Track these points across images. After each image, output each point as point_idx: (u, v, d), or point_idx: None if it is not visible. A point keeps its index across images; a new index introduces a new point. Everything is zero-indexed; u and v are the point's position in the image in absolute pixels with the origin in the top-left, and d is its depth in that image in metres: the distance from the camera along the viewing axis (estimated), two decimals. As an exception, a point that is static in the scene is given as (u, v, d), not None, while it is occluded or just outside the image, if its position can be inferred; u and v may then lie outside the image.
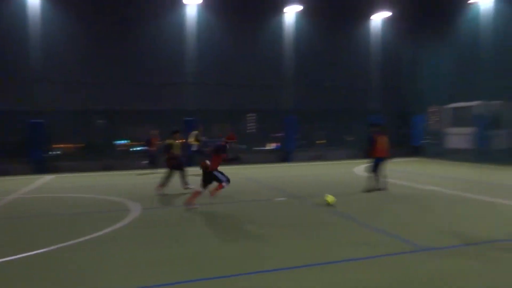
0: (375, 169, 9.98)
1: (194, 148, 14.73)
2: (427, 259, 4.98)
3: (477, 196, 9.18)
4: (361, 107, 21.71)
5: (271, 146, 20.44)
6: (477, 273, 4.52)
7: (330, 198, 8.42)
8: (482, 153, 17.69)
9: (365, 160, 10.09)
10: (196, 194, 8.42)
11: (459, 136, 19.16)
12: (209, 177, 8.26)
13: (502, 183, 11.52)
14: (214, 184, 8.23)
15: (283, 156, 19.73)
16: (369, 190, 9.94)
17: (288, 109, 20.07)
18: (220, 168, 8.30)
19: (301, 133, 20.54)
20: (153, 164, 15.43)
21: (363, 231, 6.42)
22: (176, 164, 10.31)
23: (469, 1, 19.15)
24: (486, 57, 18.19)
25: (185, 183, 10.43)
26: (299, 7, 20.22)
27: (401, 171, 14.46)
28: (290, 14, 20.52)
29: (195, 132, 15.02)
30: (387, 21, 21.99)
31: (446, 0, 20.05)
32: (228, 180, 8.29)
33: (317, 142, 21.69)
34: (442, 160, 19.04)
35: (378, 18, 21.90)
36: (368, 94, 22.12)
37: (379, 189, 9.95)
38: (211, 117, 18.66)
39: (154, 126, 16.73)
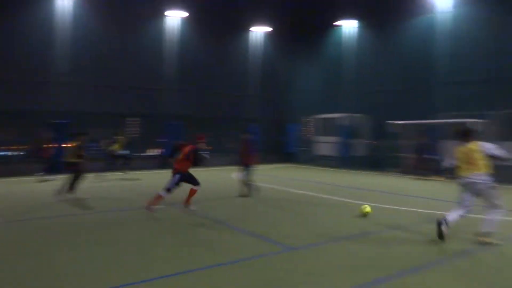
0: (246, 175, 10.49)
1: (117, 153, 14.56)
2: (294, 258, 5.45)
3: (337, 198, 10.36)
4: (242, 115, 22.65)
5: (155, 152, 19.79)
6: (337, 268, 5.11)
7: (367, 209, 8.08)
8: (344, 160, 20.02)
9: (241, 167, 10.52)
10: (159, 198, 8.00)
11: (326, 144, 21.32)
12: (184, 179, 8.12)
13: (358, 186, 13.17)
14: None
15: (164, 162, 19.26)
16: (243, 195, 10.44)
17: (171, 114, 19.80)
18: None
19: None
20: (49, 171, 13.52)
21: (235, 235, 6.72)
22: (75, 169, 9.45)
23: (335, 24, 21.64)
24: (348, 75, 20.83)
25: (67, 190, 9.46)
26: (183, 13, 20.21)
27: (274, 176, 15.48)
28: (173, 19, 20.36)
29: (120, 138, 14.73)
30: (267, 35, 23.43)
31: (315, 22, 22.26)
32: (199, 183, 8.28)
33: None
34: (312, 166, 20.92)
35: (259, 31, 23.17)
36: (249, 103, 23.20)
37: (249, 195, 10.44)
38: (87, 120, 17.32)
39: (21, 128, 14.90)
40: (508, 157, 6.34)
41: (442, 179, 14.54)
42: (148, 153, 19.59)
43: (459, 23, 16.85)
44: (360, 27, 20.80)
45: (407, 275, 4.75)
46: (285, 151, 23.34)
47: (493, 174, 6.19)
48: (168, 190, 8.06)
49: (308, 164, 21.58)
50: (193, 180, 8.32)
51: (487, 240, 6.06)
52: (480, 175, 6.11)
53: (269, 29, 22.93)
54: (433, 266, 5.13)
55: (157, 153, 19.25)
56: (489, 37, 15.93)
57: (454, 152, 6.55)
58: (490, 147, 6.24)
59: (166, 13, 20.03)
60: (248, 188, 10.48)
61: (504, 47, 15.52)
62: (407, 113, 17.51)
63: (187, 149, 8.25)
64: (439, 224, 6.17)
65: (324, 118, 21.89)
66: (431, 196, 11.26)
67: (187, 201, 8.41)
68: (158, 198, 8.03)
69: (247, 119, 22.12)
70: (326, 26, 22.01)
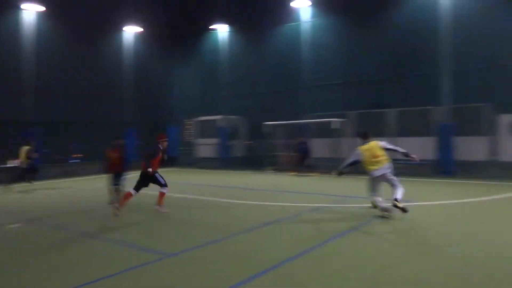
0: (116, 183, 9.89)
1: (24, 166, 13.30)
2: (175, 263, 5.41)
3: (217, 199, 10.60)
4: (118, 118, 21.49)
5: (13, 163, 17.18)
6: (219, 268, 5.23)
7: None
8: (225, 161, 20.55)
9: (112, 174, 9.94)
10: (128, 196, 8.49)
11: (206, 146, 21.58)
12: (148, 180, 8.55)
13: (238, 186, 13.66)
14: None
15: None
16: (112, 203, 9.92)
17: (30, 120, 17.67)
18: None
19: (52, 147, 18.42)
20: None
21: (110, 248, 6.38)
22: None
23: (210, 28, 22.02)
24: (224, 78, 21.44)
25: None
26: (39, 7, 18.13)
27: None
28: (28, 12, 17.96)
29: (26, 148, 13.25)
30: (141, 36, 22.61)
31: (191, 25, 22.34)
32: (166, 184, 8.70)
33: (74, 156, 20.06)
34: (194, 168, 20.96)
35: (132, 32, 22.21)
36: (125, 106, 22.10)
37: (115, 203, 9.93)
38: None
39: None
40: (400, 150, 7.91)
41: (317, 174, 15.97)
42: (7, 164, 16.99)
43: (320, 32, 18.71)
44: (233, 31, 21.56)
45: (292, 261, 5.12)
46: (166, 154, 22.85)
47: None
48: (166, 185, 8.75)
49: (190, 167, 21.56)
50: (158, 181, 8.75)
51: (400, 205, 7.35)
52: (384, 167, 7.56)
53: (141, 29, 22.10)
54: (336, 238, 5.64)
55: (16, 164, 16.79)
56: (345, 45, 18.05)
57: (359, 151, 7.86)
58: (385, 143, 7.78)
59: (22, 6, 17.81)
60: (118, 195, 9.96)
61: (357, 54, 17.74)
62: (279, 114, 18.83)
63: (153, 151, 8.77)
64: (395, 206, 7.32)
65: (204, 121, 22.13)
66: (311, 190, 12.26)
67: (159, 203, 8.79)
68: (128, 196, 8.55)
69: (123, 123, 21.07)
70: (202, 29, 22.27)
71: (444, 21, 14.84)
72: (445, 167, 14.36)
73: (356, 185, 13.08)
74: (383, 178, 7.68)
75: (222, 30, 21.72)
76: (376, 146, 7.74)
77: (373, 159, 7.66)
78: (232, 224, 7.75)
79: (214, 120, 21.53)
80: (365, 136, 7.97)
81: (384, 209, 7.67)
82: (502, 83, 14.36)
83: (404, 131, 16.03)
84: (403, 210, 7.37)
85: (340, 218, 7.96)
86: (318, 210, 8.83)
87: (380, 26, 17.05)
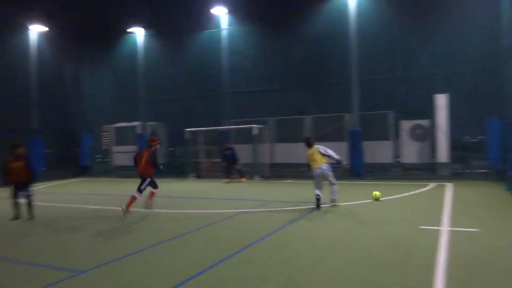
0: (15, 195, 9.16)
1: None
2: (86, 281, 5.08)
3: (136, 209, 10.19)
4: (25, 125, 19.62)
5: None
6: (129, 283, 5.01)
7: (376, 195, 10.19)
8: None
9: (13, 186, 9.12)
10: (134, 199, 9.15)
11: (124, 154, 20.64)
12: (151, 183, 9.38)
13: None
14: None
15: None
16: (16, 218, 9.11)
17: None
18: None
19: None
20: None
21: (14, 269, 5.80)
22: None
23: (128, 31, 21.17)
24: (142, 83, 20.72)
25: None
26: None
27: (62, 193, 14.12)
28: None
29: None
30: (49, 36, 20.93)
31: (106, 27, 21.27)
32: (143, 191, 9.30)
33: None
34: (110, 178, 19.91)
35: (39, 31, 20.49)
36: (32, 112, 20.24)
37: (19, 218, 9.17)
38: None
39: None
40: (334, 156, 9.45)
41: (244, 179, 16.09)
42: None
43: (239, 39, 19.02)
44: (151, 35, 20.92)
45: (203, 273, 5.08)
46: (80, 164, 21.43)
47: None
48: (140, 191, 9.29)
49: (106, 176, 20.47)
50: (154, 184, 9.56)
51: (335, 203, 9.47)
52: (321, 165, 9.26)
53: (47, 28, 20.46)
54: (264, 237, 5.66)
55: None
56: (263, 53, 18.59)
57: (306, 155, 9.60)
58: (322, 149, 9.40)
59: None
60: (19, 209, 9.16)
61: (275, 62, 18.37)
62: (200, 120, 18.74)
63: (145, 154, 9.40)
64: (318, 199, 9.21)
65: (121, 127, 21.17)
66: (234, 196, 12.31)
67: (148, 202, 9.70)
68: (133, 199, 9.17)
69: (29, 130, 19.31)
70: (119, 32, 21.30)
71: (352, 33, 16.00)
72: (355, 169, 15.44)
73: (278, 191, 13.49)
74: (321, 175, 9.29)
75: (140, 34, 21.01)
76: (316, 150, 9.39)
77: (313, 162, 9.38)
78: (150, 234, 7.51)
79: (131, 127, 20.71)
80: (308, 143, 9.66)
81: (316, 195, 9.27)
82: (403, 92, 15.88)
83: (319, 136, 16.95)
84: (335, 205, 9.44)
85: (259, 223, 8.14)
86: (239, 215, 8.94)
87: (296, 36, 17.87)
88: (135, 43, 21.04)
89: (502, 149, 12.64)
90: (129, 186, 16.04)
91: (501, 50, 13.02)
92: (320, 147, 9.51)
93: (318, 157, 9.37)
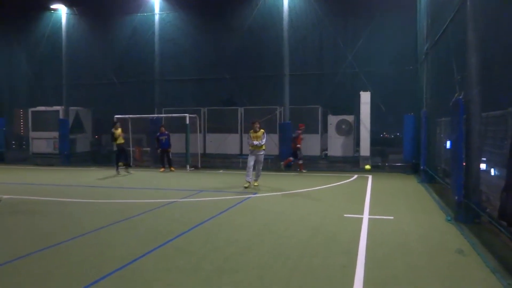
0: None
1: None
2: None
3: (55, 199, 9.55)
4: None
5: None
6: (47, 278, 4.70)
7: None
8: (65, 157, 18.61)
9: None
10: None
11: (43, 140, 19.19)
12: None
13: (79, 183, 12.55)
14: None
15: None
16: None
17: None
18: None
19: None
20: None
21: None
22: None
23: (51, 8, 19.53)
24: (66, 65, 19.30)
25: None
26: None
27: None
28: None
29: None
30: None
31: (25, 1, 19.44)
32: None
33: None
34: (27, 166, 18.39)
35: None
36: None
37: None
38: None
39: None
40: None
41: (173, 169, 15.76)
42: None
43: (173, 26, 18.49)
44: (77, 14, 19.51)
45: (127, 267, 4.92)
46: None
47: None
48: None
49: (22, 164, 18.86)
50: None
51: (256, 184, 11.14)
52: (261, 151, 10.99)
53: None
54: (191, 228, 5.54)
55: None
56: (198, 41, 18.27)
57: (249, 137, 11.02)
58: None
59: None
60: None
61: (209, 51, 18.15)
62: (129, 107, 17.98)
63: None
64: (248, 182, 11.00)
65: (40, 111, 19.61)
66: (166, 186, 12.00)
67: None
68: None
69: None
70: (39, 8, 19.54)
71: (285, 28, 16.36)
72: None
73: (209, 180, 13.47)
74: (258, 159, 11.09)
75: (64, 12, 19.48)
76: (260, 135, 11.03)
77: (254, 146, 11.01)
78: (72, 225, 7.09)
79: (52, 111, 19.27)
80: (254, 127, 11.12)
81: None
82: (331, 88, 16.65)
83: (250, 128, 17.17)
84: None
85: (191, 212, 8.08)
86: (171, 205, 8.79)
87: (230, 26, 17.83)
88: (57, 21, 19.52)
89: (417, 145, 13.84)
90: (49, 175, 15.00)
91: (418, 53, 14.20)
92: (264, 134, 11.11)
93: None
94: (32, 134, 19.58)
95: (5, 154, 19.96)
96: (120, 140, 14.48)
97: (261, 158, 11.08)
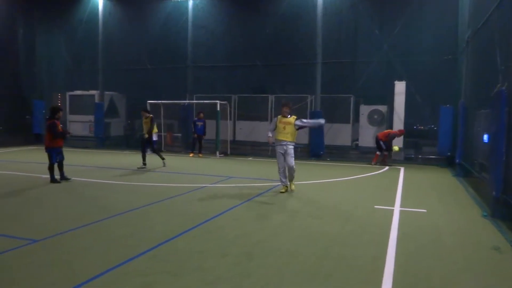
0: None
1: None
2: (39, 249, 4.92)
3: (94, 180, 9.92)
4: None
5: None
6: (86, 252, 4.91)
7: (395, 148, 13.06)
8: (101, 140, 19.20)
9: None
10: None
11: (80, 124, 19.87)
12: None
13: (113, 166, 12.94)
14: None
15: None
16: None
17: None
18: None
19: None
20: None
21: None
22: None
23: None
24: (102, 50, 19.75)
25: None
26: None
27: (12, 161, 13.42)
28: None
29: None
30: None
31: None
32: None
33: None
34: (64, 147, 19.09)
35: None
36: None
37: None
38: None
39: None
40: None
41: (201, 155, 16.00)
42: None
43: (205, 13, 18.51)
44: (112, 1, 19.84)
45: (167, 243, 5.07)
46: (33, 132, 20.38)
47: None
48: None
49: (60, 145, 19.60)
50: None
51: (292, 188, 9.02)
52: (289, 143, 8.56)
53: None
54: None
55: None
56: (229, 28, 18.24)
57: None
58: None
59: None
60: None
61: (241, 38, 18.08)
62: (161, 92, 18.27)
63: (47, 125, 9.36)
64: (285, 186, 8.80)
65: (77, 95, 20.26)
66: (197, 171, 12.22)
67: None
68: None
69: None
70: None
71: (319, 15, 16.02)
72: (315, 150, 15.79)
73: (239, 167, 13.57)
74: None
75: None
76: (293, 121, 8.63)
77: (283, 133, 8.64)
78: (109, 205, 7.35)
79: (88, 95, 19.86)
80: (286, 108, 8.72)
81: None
82: (364, 77, 16.27)
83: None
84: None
85: (220, 198, 8.18)
86: (200, 190, 8.93)
87: (262, 13, 17.68)
88: (94, 7, 19.96)
89: (453, 138, 13.37)
90: (86, 157, 15.55)
91: (459, 42, 13.61)
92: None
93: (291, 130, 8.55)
94: (70, 117, 20.29)
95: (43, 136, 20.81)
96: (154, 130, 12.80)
97: (291, 151, 8.53)
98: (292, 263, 4.59)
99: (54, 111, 9.55)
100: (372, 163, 13.74)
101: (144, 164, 12.37)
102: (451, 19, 14.24)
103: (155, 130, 12.60)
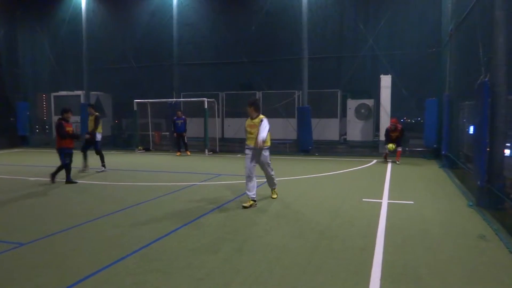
0: None
1: None
2: (23, 253, 4.86)
3: (80, 181, 9.82)
4: None
5: None
6: (71, 256, 4.87)
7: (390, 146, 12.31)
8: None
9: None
10: None
11: (66, 125, 19.58)
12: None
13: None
14: None
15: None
16: None
17: None
18: None
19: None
20: None
21: None
22: None
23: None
24: (86, 50, 19.48)
25: None
26: None
27: None
28: None
29: None
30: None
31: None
32: None
33: None
34: (50, 149, 18.85)
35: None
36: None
37: None
38: None
39: None
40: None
41: (189, 153, 15.95)
42: None
43: (190, 10, 18.39)
44: (94, 0, 19.60)
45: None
46: (18, 134, 20.06)
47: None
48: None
49: (45, 147, 19.35)
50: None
51: (274, 196, 7.56)
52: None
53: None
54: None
55: None
56: (215, 25, 18.17)
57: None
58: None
59: None
60: None
61: (227, 35, 18.01)
62: (147, 91, 18.15)
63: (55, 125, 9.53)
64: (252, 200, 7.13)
65: (62, 96, 19.99)
66: (184, 169, 12.17)
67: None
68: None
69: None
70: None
71: (304, 10, 16.03)
72: (303, 146, 15.86)
73: (228, 165, 13.56)
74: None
75: (83, -2, 19.60)
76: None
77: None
78: (97, 206, 7.28)
79: (74, 96, 19.60)
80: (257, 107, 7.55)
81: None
82: (350, 71, 16.38)
83: (268, 112, 17.15)
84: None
85: (210, 195, 8.18)
86: (190, 187, 8.91)
87: (248, 9, 17.65)
88: (77, 6, 19.65)
89: (438, 130, 13.56)
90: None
91: (442, 35, 13.78)
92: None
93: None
94: (55, 118, 19.99)
95: (29, 138, 20.49)
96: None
97: (265, 158, 7.26)
98: (282, 258, 4.62)
99: (62, 112, 9.71)
100: (397, 162, 12.93)
101: (85, 166, 11.67)
102: (434, 13, 14.42)
103: (100, 129, 11.57)
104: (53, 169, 9.63)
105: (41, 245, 5.16)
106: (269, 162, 7.38)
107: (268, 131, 7.17)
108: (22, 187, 9.25)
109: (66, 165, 9.44)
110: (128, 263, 4.50)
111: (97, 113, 11.76)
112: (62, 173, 9.61)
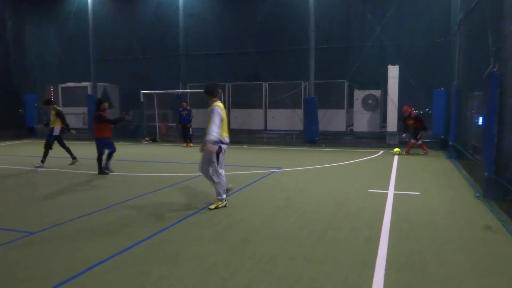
0: None
1: None
2: (34, 242, 4.94)
3: (86, 171, 9.92)
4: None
5: None
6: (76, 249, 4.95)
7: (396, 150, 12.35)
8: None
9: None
10: None
11: (73, 116, 19.72)
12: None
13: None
14: None
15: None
16: None
17: None
18: None
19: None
20: None
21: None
22: None
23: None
24: (92, 41, 19.49)
25: None
26: None
27: (5, 155, 13.36)
28: None
29: None
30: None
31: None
32: None
33: None
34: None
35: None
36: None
37: None
38: None
39: None
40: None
41: (192, 144, 16.01)
42: None
43: (192, 1, 18.30)
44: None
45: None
46: (26, 125, 20.26)
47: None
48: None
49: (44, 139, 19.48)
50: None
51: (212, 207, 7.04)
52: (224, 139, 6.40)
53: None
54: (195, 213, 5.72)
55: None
56: (222, 15, 18.06)
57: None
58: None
59: None
60: None
61: (233, 26, 17.91)
62: (153, 82, 18.16)
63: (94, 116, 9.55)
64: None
65: (69, 88, 20.09)
66: (190, 160, 12.23)
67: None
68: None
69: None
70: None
71: (310, 0, 15.87)
72: (310, 136, 15.82)
73: (234, 156, 13.58)
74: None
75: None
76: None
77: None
78: (105, 196, 7.36)
79: (81, 87, 19.70)
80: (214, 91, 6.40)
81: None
82: (357, 62, 16.23)
83: (275, 103, 17.12)
84: None
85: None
86: (195, 178, 8.96)
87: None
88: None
89: (446, 120, 13.43)
90: (78, 149, 15.47)
91: (451, 24, 13.57)
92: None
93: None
94: (63, 109, 20.07)
95: (37, 129, 20.66)
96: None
97: (209, 153, 6.22)
98: (288, 248, 4.64)
99: (98, 103, 9.72)
100: (423, 152, 12.72)
101: (74, 158, 11.39)
102: (443, 1, 14.19)
103: (58, 123, 11.12)
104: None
105: (50, 234, 5.23)
106: (214, 160, 6.12)
107: (221, 120, 6.00)
108: (31, 176, 9.36)
109: (100, 155, 9.53)
110: (134, 253, 4.55)
111: (55, 105, 11.55)
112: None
